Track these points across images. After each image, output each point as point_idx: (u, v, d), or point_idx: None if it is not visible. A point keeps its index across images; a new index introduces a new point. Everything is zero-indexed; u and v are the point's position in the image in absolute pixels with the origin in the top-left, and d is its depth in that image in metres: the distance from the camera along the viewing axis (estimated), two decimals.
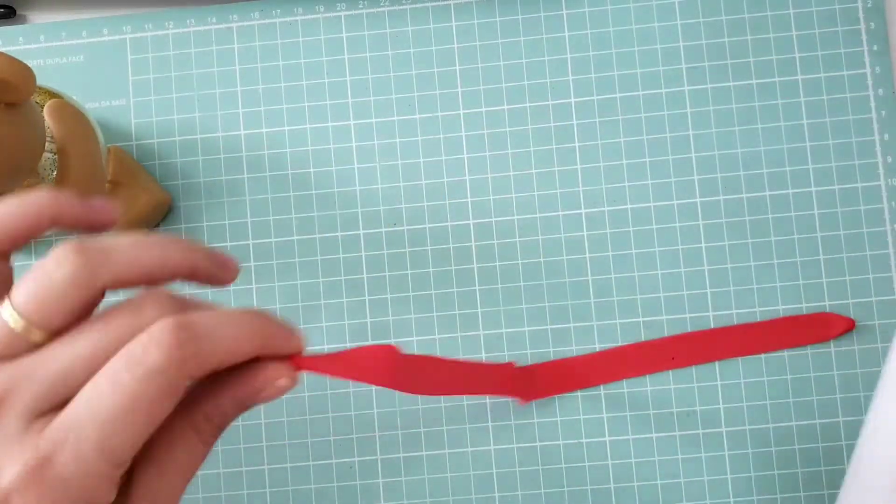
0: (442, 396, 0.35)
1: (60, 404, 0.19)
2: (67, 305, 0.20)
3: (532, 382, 0.34)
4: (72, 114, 0.31)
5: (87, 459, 0.18)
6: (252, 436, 0.35)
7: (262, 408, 0.35)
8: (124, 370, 0.19)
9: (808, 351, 0.34)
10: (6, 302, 0.20)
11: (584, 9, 0.36)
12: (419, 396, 0.35)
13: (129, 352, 0.19)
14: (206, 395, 0.21)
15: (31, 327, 0.20)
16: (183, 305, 0.21)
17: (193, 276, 0.22)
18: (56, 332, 0.20)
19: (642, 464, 0.34)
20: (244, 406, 0.21)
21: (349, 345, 0.35)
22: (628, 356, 0.34)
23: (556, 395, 0.35)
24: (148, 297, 0.20)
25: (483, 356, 0.35)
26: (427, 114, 0.37)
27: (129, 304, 0.20)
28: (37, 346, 0.20)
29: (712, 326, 0.35)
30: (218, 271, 0.22)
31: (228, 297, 0.36)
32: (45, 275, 0.21)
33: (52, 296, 0.20)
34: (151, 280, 0.21)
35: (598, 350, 0.35)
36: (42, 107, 0.31)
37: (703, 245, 0.35)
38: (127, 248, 0.21)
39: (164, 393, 0.19)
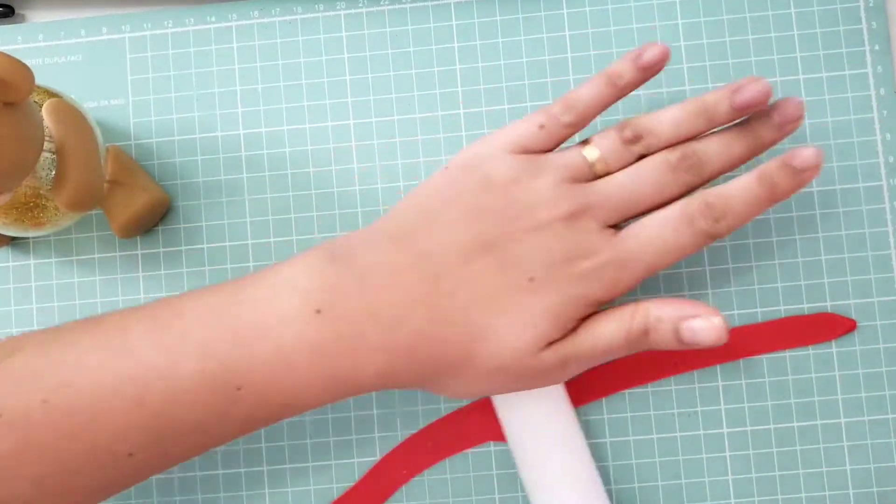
0: (442, 396, 0.35)
1: (618, 221, 0.29)
2: (632, 159, 0.29)
3: None
4: (70, 113, 0.31)
5: (636, 269, 0.28)
6: (251, 437, 0.35)
7: None
8: (685, 224, 0.28)
9: (810, 352, 0.34)
10: (592, 144, 0.29)
11: (584, 7, 0.36)
12: (419, 397, 0.35)
13: (688, 212, 0.28)
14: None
15: (599, 162, 0.29)
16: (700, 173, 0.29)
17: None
18: (608, 172, 0.29)
19: (643, 465, 0.34)
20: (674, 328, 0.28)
21: None
22: (632, 364, 0.34)
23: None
24: (688, 165, 0.29)
25: None
26: (427, 113, 0.36)
27: (674, 167, 0.29)
28: (595, 177, 0.29)
29: None
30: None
31: None
32: (623, 140, 0.29)
33: (623, 155, 0.29)
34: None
35: None
36: (41, 106, 0.30)
37: None
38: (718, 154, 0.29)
39: (684, 253, 0.28)
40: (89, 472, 0.26)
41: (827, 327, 0.34)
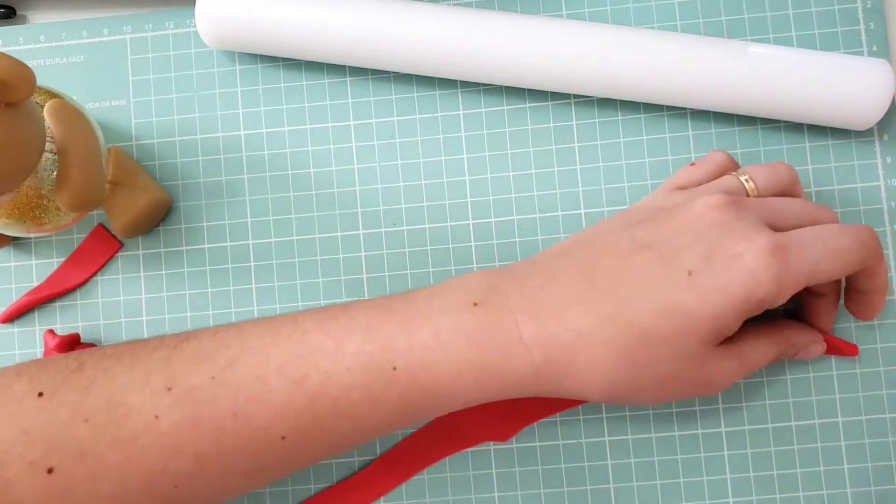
0: None
1: (781, 228, 0.28)
2: (779, 191, 0.31)
3: (515, 410, 0.34)
4: (72, 114, 0.31)
5: (800, 267, 0.26)
6: None
7: None
8: (848, 239, 0.27)
9: None
10: (745, 174, 0.31)
11: (583, 9, 0.36)
12: None
13: (842, 225, 0.28)
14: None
15: (753, 187, 0.30)
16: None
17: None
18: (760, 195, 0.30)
19: (642, 464, 0.34)
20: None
21: None
22: None
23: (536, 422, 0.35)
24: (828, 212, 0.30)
25: None
26: (427, 114, 0.37)
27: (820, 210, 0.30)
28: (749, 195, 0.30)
29: None
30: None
31: (228, 298, 0.36)
32: (777, 175, 0.31)
33: (776, 182, 0.31)
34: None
35: None
36: (42, 107, 0.31)
37: None
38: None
39: (852, 258, 0.27)
40: (244, 454, 0.26)
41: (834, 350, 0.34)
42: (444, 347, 0.27)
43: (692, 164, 0.32)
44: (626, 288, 0.27)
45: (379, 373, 0.26)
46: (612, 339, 0.26)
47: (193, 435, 0.26)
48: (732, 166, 0.32)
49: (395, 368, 0.27)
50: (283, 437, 0.27)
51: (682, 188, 0.31)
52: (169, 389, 0.26)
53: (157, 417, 0.26)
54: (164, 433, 0.26)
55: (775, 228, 0.28)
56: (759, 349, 0.29)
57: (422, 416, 0.28)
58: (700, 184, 0.31)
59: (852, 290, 0.31)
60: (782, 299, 0.27)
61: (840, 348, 0.34)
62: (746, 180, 0.30)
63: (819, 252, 0.27)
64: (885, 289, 0.30)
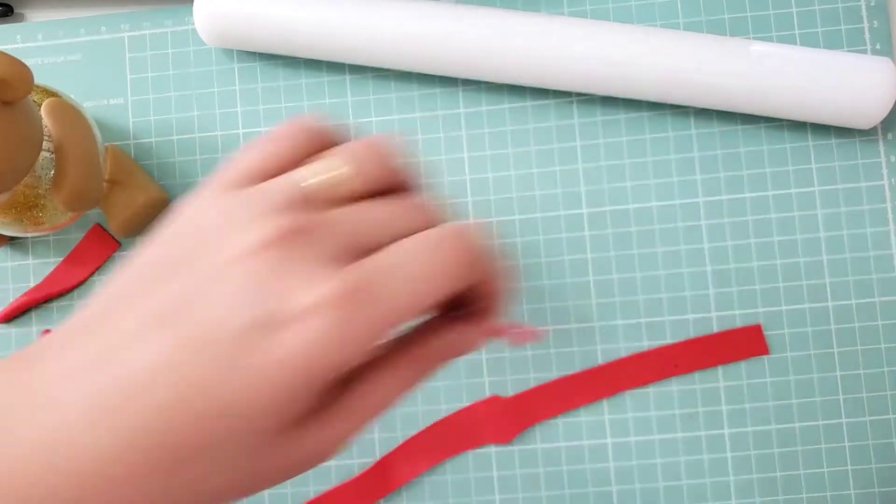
0: (440, 397, 0.35)
1: (357, 255, 0.20)
2: (386, 183, 0.22)
3: (516, 412, 0.34)
4: (69, 112, 0.31)
5: (375, 315, 0.19)
6: None
7: None
8: (433, 247, 0.20)
9: (811, 352, 0.34)
10: (338, 163, 0.21)
11: (585, 7, 0.36)
12: (419, 397, 0.35)
13: (432, 237, 0.21)
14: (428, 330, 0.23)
15: (354, 177, 0.21)
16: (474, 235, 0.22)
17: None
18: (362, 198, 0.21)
19: (644, 466, 0.34)
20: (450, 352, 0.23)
21: None
22: (578, 383, 0.35)
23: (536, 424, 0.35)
24: (431, 207, 0.22)
25: (483, 357, 0.35)
26: (427, 113, 0.36)
27: (418, 204, 0.22)
28: (347, 202, 0.21)
29: (714, 327, 0.34)
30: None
31: None
32: (380, 159, 0.22)
33: (380, 171, 0.21)
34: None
35: (598, 349, 0.35)
36: (39, 105, 0.30)
37: (705, 245, 0.35)
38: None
39: (446, 281, 0.20)
40: None
41: (754, 341, 0.33)
42: None
43: (268, 141, 0.22)
44: (135, 390, 0.18)
45: None
46: (127, 459, 0.18)
47: None
48: (319, 144, 0.22)
49: None
50: None
51: (248, 183, 0.21)
52: None
53: None
54: None
55: (358, 251, 0.20)
56: (373, 396, 0.21)
57: None
58: (274, 174, 0.21)
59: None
60: (362, 355, 0.20)
61: (521, 336, 0.27)
62: (337, 176, 0.21)
63: (400, 285, 0.20)
64: (498, 308, 0.23)
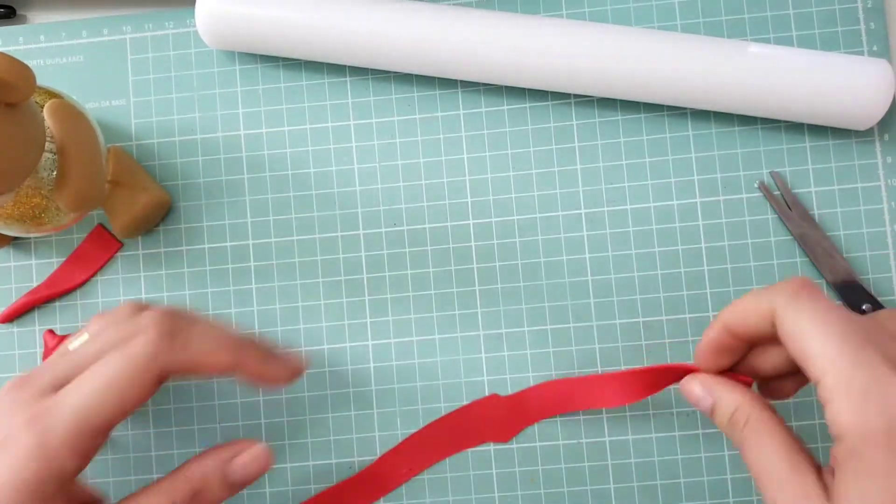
0: (440, 396, 0.35)
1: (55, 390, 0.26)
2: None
3: (516, 411, 0.34)
4: (72, 114, 0.31)
5: (66, 422, 0.24)
6: (252, 437, 0.35)
7: (261, 408, 0.35)
8: (115, 353, 0.25)
9: None
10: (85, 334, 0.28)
11: (583, 9, 0.36)
12: (419, 397, 0.35)
13: (123, 341, 0.26)
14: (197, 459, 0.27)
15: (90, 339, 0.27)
16: (178, 317, 0.27)
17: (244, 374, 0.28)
18: None
19: (642, 464, 0.34)
20: (224, 477, 0.27)
21: (349, 345, 0.35)
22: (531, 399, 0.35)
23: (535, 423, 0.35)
24: (150, 310, 0.27)
25: (483, 356, 0.35)
26: (427, 114, 0.37)
27: (131, 315, 0.27)
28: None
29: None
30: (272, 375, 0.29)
31: (228, 298, 0.36)
32: (126, 336, 0.27)
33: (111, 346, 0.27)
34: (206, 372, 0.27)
35: (596, 348, 0.35)
36: (42, 107, 0.31)
37: (702, 245, 0.35)
38: (209, 345, 0.27)
39: (141, 374, 0.25)
40: None
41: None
42: None
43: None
44: None
45: None
46: None
47: None
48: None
49: None
50: None
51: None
52: None
53: None
54: None
55: (55, 387, 0.26)
56: None
57: None
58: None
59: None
60: (68, 464, 0.25)
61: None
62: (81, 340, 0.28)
63: (83, 397, 0.25)
64: (264, 375, 0.28)
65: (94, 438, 0.25)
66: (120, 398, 0.25)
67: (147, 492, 0.26)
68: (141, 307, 0.28)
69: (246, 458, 0.27)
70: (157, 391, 0.27)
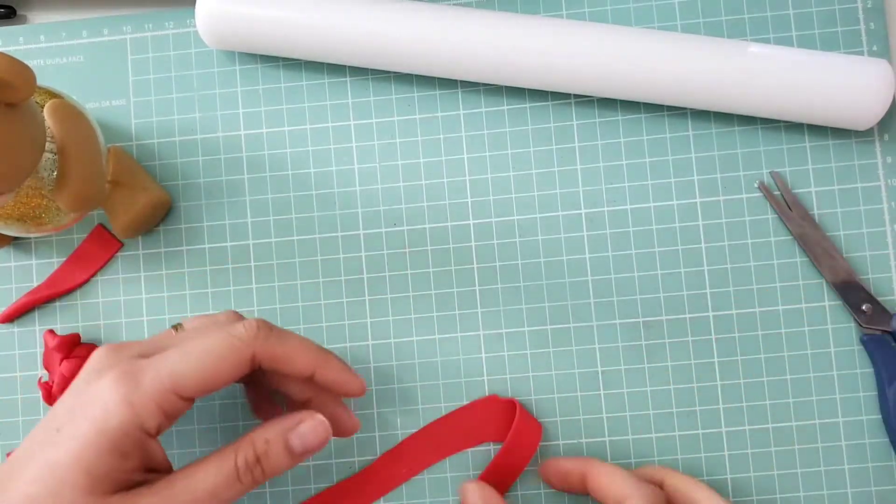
0: (440, 396, 0.35)
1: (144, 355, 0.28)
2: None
3: (514, 411, 0.34)
4: (72, 114, 0.31)
5: (155, 381, 0.26)
6: None
7: None
8: (216, 330, 0.28)
9: (808, 352, 0.34)
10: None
11: (583, 9, 0.37)
12: (419, 397, 0.35)
13: (224, 326, 0.29)
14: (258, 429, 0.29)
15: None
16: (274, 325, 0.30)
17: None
18: None
19: (642, 464, 0.34)
20: (286, 443, 0.28)
21: (349, 345, 0.35)
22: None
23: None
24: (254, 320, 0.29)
25: (483, 356, 0.35)
26: (427, 114, 0.37)
27: (230, 318, 0.31)
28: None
29: (712, 326, 0.35)
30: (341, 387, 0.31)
31: (228, 298, 0.36)
32: (227, 325, 0.29)
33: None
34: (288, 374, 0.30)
35: (596, 348, 0.35)
36: (42, 107, 0.31)
37: (702, 245, 0.35)
38: (300, 345, 0.30)
39: (236, 352, 0.28)
40: None
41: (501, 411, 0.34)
42: None
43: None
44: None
45: None
46: None
47: None
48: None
49: None
50: None
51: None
52: None
53: None
54: None
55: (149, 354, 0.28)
56: (197, 476, 0.27)
57: None
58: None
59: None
60: (151, 419, 0.26)
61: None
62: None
63: (177, 361, 0.27)
64: (343, 382, 0.30)
65: (179, 402, 0.27)
66: (213, 369, 0.27)
67: (213, 455, 0.28)
68: (240, 315, 0.32)
69: (304, 427, 0.29)
70: (245, 377, 0.29)
